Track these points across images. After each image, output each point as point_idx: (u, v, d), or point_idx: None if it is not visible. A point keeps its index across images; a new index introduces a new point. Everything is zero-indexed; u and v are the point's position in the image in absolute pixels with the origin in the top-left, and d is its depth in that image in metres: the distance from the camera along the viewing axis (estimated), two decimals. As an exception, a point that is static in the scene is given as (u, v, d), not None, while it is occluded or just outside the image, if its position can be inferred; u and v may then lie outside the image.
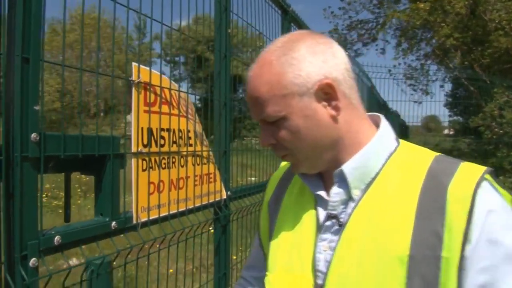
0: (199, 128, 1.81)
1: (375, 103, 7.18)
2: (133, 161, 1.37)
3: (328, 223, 0.91)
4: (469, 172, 0.83)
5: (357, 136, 0.91)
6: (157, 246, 1.53)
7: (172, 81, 1.63)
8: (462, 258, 0.77)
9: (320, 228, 0.92)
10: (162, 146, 1.51)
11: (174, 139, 1.60)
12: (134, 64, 1.38)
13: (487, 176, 0.83)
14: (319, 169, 0.94)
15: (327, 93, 0.87)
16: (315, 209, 0.95)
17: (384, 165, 0.89)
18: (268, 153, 2.77)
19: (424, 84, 12.26)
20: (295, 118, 0.87)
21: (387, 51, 12.59)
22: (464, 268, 0.77)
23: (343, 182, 0.90)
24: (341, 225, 0.88)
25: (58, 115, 19.92)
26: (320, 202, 0.94)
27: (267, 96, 0.87)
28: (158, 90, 1.49)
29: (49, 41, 23.46)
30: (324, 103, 0.88)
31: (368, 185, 0.88)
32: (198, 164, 1.77)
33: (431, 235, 0.79)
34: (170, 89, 1.57)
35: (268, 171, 2.75)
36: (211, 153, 1.90)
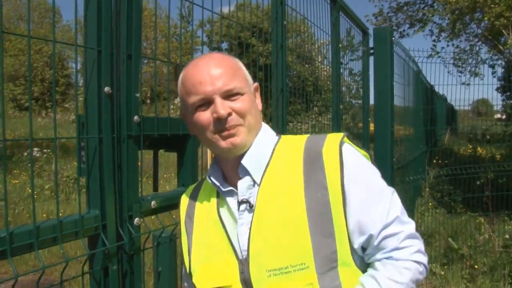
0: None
1: (422, 88, 7.15)
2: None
3: (242, 207, 1.13)
4: (333, 138, 1.13)
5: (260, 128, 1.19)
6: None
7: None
8: (343, 196, 1.07)
9: (235, 217, 1.14)
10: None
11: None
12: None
13: (345, 139, 1.14)
14: (250, 143, 1.15)
15: (255, 94, 1.19)
16: (227, 205, 1.16)
17: (273, 153, 1.15)
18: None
19: (474, 65, 11.84)
20: (249, 97, 1.14)
21: (435, 33, 12.17)
22: (347, 203, 1.07)
23: (245, 172, 1.13)
24: (252, 206, 1.11)
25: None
26: (229, 197, 1.16)
27: (236, 72, 1.13)
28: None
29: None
30: (255, 98, 1.19)
31: (265, 170, 1.13)
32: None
33: (319, 187, 1.07)
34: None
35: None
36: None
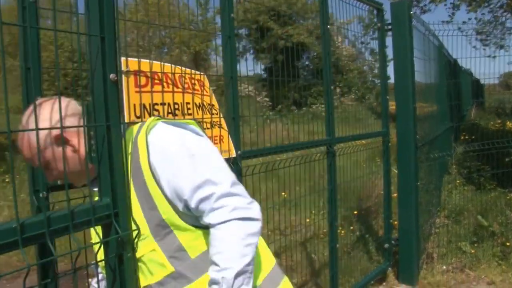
0: (207, 100, 2.03)
1: (444, 62, 6.93)
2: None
3: None
4: (145, 126, 1.28)
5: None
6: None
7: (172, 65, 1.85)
8: (154, 173, 1.22)
9: None
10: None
11: (170, 111, 1.83)
12: (122, 58, 1.59)
13: (156, 120, 1.31)
14: (83, 182, 1.36)
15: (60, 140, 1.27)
16: None
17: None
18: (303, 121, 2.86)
19: (499, 37, 11.39)
20: (51, 162, 1.28)
21: (456, 6, 11.74)
22: (160, 177, 1.22)
23: None
24: None
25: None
26: None
27: (30, 156, 1.28)
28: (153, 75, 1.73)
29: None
30: (65, 145, 1.28)
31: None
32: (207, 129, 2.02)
33: (138, 171, 1.24)
34: (162, 73, 1.79)
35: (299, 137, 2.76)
36: (222, 119, 2.12)
